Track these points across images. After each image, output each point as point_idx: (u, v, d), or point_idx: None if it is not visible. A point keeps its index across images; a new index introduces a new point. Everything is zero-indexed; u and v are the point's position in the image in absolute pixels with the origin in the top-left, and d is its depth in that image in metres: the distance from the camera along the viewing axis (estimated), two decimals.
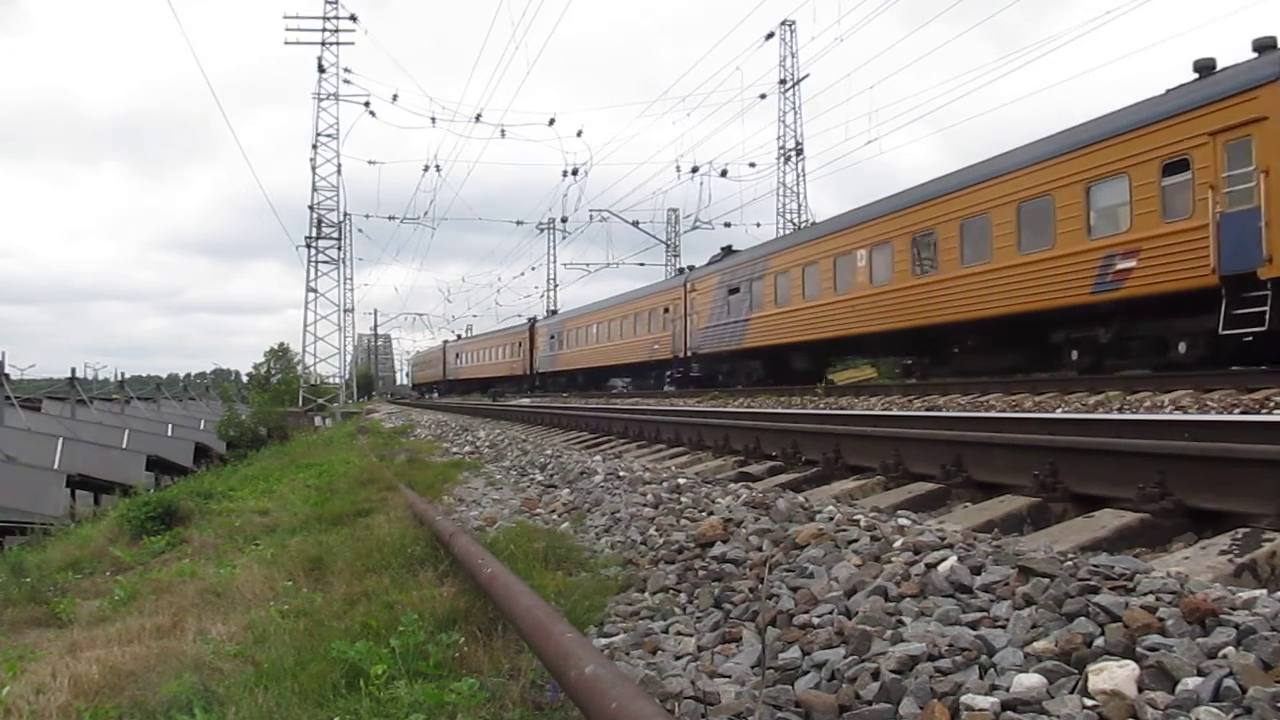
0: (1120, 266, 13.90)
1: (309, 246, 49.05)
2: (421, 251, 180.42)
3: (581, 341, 42.67)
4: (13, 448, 23.68)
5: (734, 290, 27.32)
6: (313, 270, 49.36)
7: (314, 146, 47.68)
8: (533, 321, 52.08)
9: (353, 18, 46.31)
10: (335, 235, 49.20)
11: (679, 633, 3.00)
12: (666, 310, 32.96)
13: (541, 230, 60.90)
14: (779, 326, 24.52)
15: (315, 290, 49.66)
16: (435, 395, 72.85)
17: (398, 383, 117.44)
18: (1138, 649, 2.00)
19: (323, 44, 46.35)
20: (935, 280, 18.06)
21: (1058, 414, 8.83)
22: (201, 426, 42.78)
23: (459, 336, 73.06)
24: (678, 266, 33.48)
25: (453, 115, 62.53)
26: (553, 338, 46.92)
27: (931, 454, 5.15)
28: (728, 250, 30.60)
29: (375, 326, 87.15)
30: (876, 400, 15.39)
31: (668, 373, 32.82)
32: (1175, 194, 13.17)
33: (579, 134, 68.20)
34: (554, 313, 50.89)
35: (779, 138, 46.52)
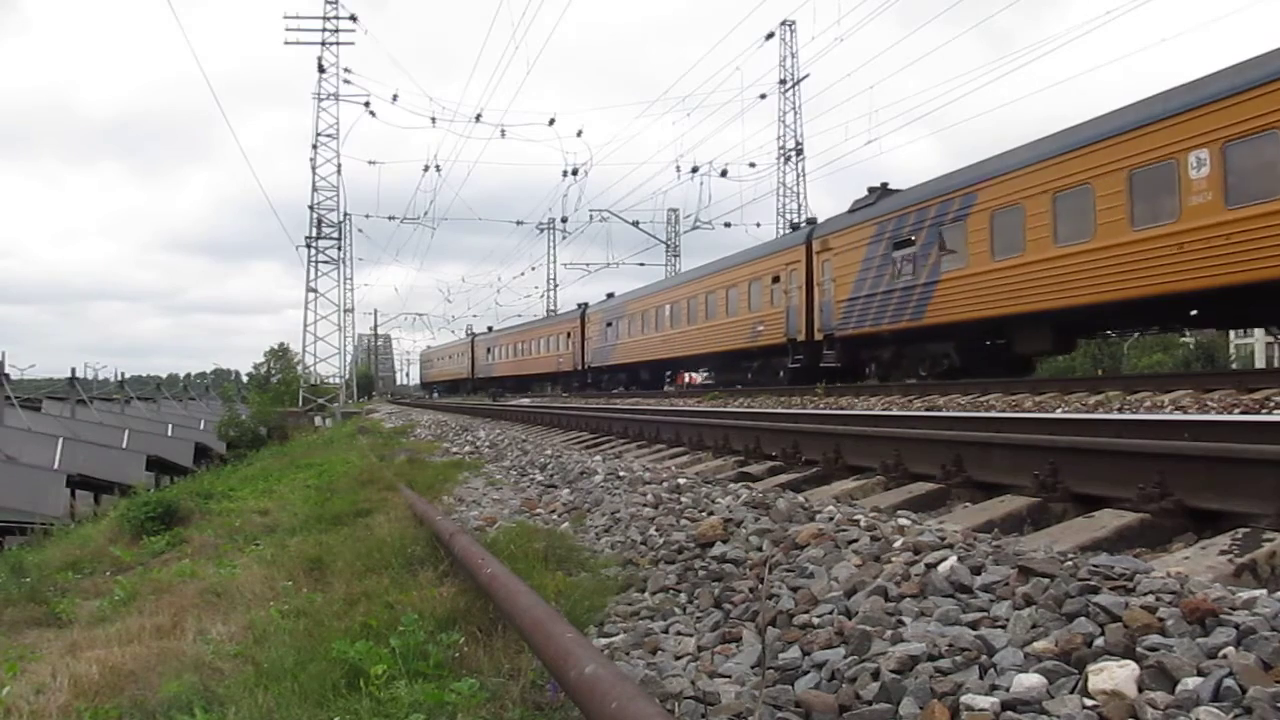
0: None
1: (309, 246, 49.17)
2: (421, 251, 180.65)
3: (648, 327, 34.06)
4: (13, 448, 23.67)
5: (903, 243, 19.05)
6: (313, 270, 49.48)
7: (314, 146, 47.82)
8: (584, 307, 44.26)
9: (353, 18, 46.45)
10: (335, 235, 49.30)
11: (679, 633, 3.00)
12: (776, 279, 24.50)
13: (541, 230, 61.03)
14: (996, 290, 16.07)
15: (315, 290, 49.77)
16: (435, 395, 72.39)
17: (398, 383, 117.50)
18: (1138, 649, 2.00)
19: (323, 44, 46.47)
20: None
21: (1058, 414, 8.83)
22: (201, 426, 42.78)
23: (490, 329, 65.12)
24: (792, 222, 26.09)
25: (453, 115, 62.73)
26: (609, 325, 38.48)
27: (931, 454, 5.15)
28: (883, 190, 21.35)
29: (375, 326, 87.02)
30: (876, 400, 15.40)
31: (789, 362, 23.89)
32: None
33: (579, 134, 68.62)
34: (611, 295, 42.05)
35: (779, 138, 46.60)
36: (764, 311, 25.08)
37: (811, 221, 25.07)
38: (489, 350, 60.11)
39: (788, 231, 45.12)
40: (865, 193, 22.05)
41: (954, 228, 17.37)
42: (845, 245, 21.36)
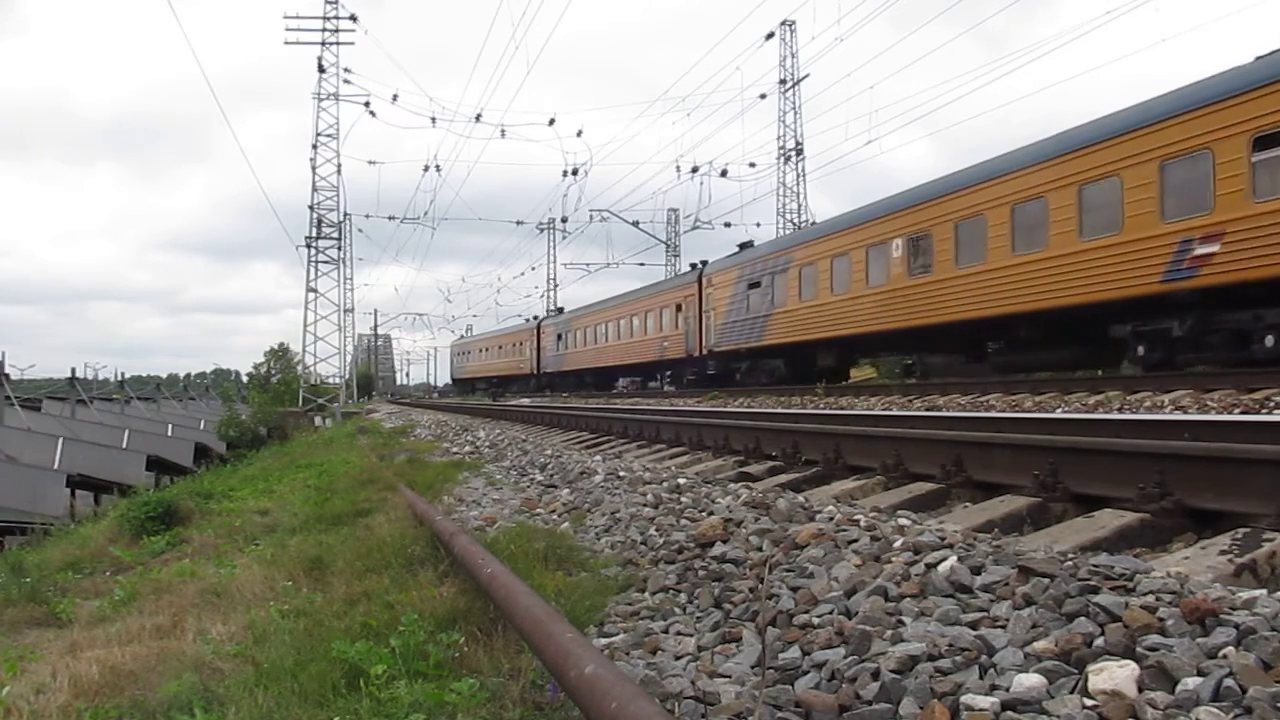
0: None
1: (309, 246, 49.18)
2: (421, 251, 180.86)
3: (842, 284, 21.14)
4: (13, 448, 23.65)
5: None
6: (313, 270, 49.48)
7: (314, 146, 47.80)
8: (702, 266, 30.94)
9: (353, 18, 46.40)
10: (335, 235, 49.30)
11: (679, 633, 3.00)
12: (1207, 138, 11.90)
13: (541, 230, 60.86)
14: None
15: (315, 290, 49.76)
16: (435, 396, 71.99)
17: (398, 383, 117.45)
18: (1138, 649, 2.00)
19: (323, 44, 46.43)
20: None
21: (1058, 414, 8.83)
22: (201, 426, 42.73)
23: (560, 310, 53.16)
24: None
25: (452, 115, 62.45)
26: (753, 287, 25.91)
27: (931, 454, 5.15)
28: None
29: (375, 326, 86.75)
30: (876, 400, 15.40)
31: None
32: None
33: (579, 134, 68.69)
34: (748, 245, 29.43)
35: (779, 138, 46.56)
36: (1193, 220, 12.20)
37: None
38: (560, 337, 46.80)
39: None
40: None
41: None
42: None
